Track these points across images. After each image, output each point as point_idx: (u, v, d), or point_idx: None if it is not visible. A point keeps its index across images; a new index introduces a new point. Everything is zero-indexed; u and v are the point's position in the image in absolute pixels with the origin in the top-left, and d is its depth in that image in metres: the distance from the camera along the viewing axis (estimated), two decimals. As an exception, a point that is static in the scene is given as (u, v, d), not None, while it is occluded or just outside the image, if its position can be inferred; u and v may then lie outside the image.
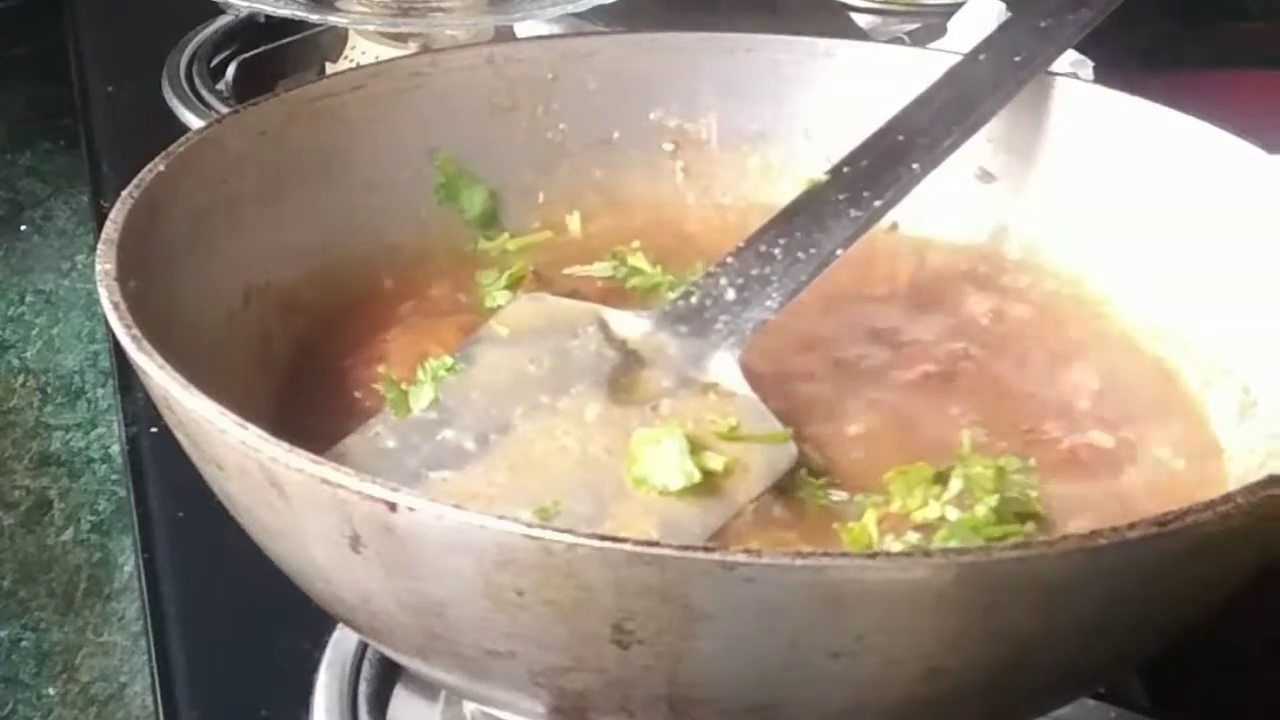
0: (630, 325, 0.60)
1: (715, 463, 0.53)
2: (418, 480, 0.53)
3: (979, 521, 0.52)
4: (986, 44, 0.69)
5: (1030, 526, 0.52)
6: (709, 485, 0.52)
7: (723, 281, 0.60)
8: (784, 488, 0.54)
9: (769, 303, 0.59)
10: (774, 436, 0.55)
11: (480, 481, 0.53)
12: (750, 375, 0.58)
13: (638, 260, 0.67)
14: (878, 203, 0.62)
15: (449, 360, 0.58)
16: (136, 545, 0.72)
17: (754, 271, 0.60)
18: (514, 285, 0.66)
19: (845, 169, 0.64)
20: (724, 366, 0.58)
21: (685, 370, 0.58)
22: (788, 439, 0.55)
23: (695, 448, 0.53)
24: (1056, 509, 0.53)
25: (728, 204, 0.72)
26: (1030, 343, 0.64)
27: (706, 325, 0.59)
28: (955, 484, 0.53)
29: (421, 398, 0.57)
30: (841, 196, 0.62)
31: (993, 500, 0.52)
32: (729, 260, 0.61)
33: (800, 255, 0.60)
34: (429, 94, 0.68)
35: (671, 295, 0.62)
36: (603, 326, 0.60)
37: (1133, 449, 0.58)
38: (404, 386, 0.58)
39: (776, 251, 0.61)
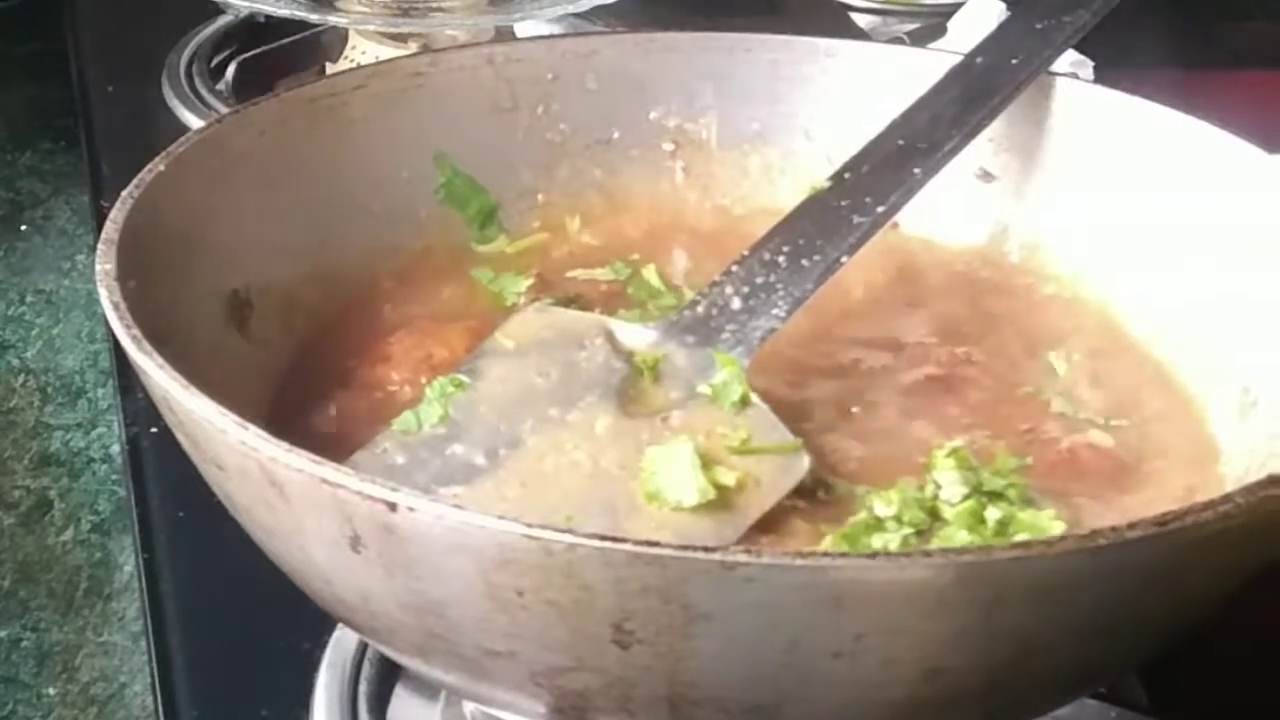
0: (637, 336, 0.60)
1: (728, 477, 0.53)
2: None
3: (961, 522, 0.52)
4: (985, 46, 0.69)
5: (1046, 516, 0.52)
6: (722, 500, 0.52)
7: (728, 290, 0.60)
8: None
9: (776, 311, 0.59)
10: (786, 448, 0.55)
11: (491, 496, 0.52)
12: (753, 380, 0.57)
13: (649, 273, 0.67)
14: (881, 209, 0.62)
15: (458, 377, 0.57)
16: (136, 545, 0.72)
17: (759, 280, 0.60)
18: (526, 286, 0.66)
19: (847, 175, 0.64)
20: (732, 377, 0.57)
21: (694, 381, 0.57)
22: (799, 450, 0.55)
23: (707, 462, 0.53)
24: (1056, 509, 0.53)
25: (728, 204, 0.72)
26: (1030, 343, 0.64)
27: (713, 335, 0.59)
28: (886, 519, 0.52)
29: (430, 416, 0.56)
30: (844, 203, 0.62)
31: (967, 502, 0.52)
32: (734, 269, 0.60)
33: (805, 263, 0.60)
34: (429, 94, 0.68)
35: (673, 301, 0.62)
36: (609, 337, 0.59)
37: (1132, 449, 0.58)
38: (407, 389, 0.58)
39: (781, 259, 0.60)
